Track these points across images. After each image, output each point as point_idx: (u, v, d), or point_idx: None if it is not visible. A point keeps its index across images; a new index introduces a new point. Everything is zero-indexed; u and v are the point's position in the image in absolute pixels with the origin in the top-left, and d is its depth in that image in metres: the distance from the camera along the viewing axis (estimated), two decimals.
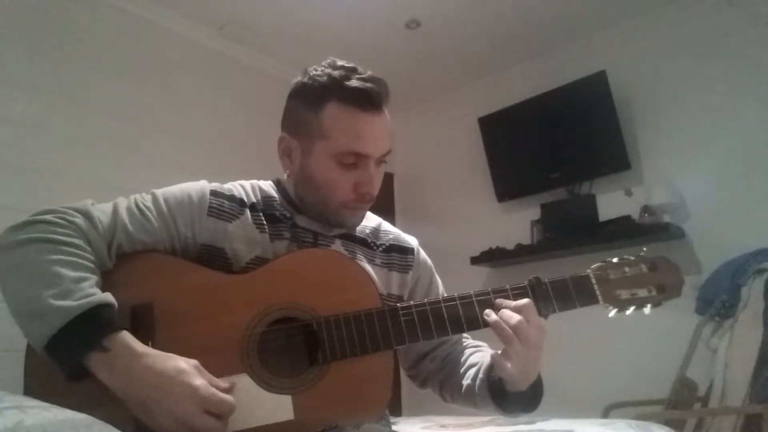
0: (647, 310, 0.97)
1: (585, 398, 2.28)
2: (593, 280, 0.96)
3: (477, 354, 1.07)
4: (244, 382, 0.83)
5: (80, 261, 0.81)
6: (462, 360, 1.07)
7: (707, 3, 2.74)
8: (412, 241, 1.14)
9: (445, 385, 1.08)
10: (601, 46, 3.04)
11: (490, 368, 0.98)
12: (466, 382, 1.02)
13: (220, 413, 0.76)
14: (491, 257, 3.11)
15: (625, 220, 2.75)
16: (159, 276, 0.89)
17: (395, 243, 1.11)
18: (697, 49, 2.74)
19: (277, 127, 1.03)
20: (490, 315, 0.91)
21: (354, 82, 0.93)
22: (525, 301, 0.91)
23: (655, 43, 2.88)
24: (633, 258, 1.00)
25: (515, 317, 0.88)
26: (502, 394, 0.95)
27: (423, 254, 1.15)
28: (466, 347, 1.11)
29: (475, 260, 3.16)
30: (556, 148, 3.06)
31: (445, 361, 1.09)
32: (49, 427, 0.52)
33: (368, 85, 0.93)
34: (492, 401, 0.96)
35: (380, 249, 1.09)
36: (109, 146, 2.46)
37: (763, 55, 2.54)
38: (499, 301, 0.93)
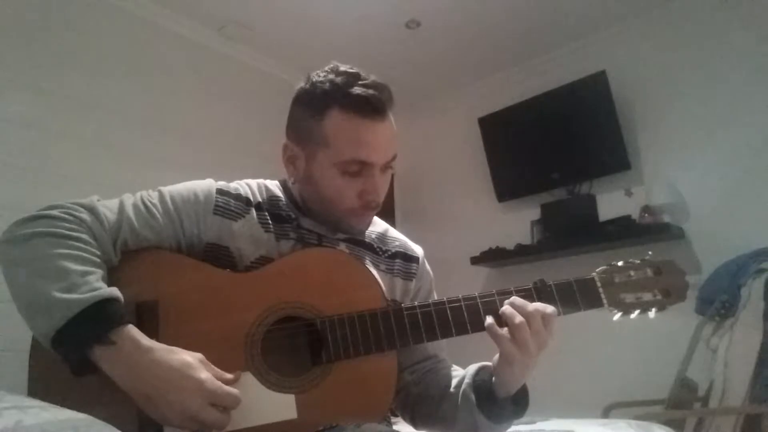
0: (652, 314, 0.96)
1: (585, 398, 2.28)
2: (598, 284, 0.95)
3: (461, 370, 1.02)
4: (248, 380, 0.83)
5: (86, 255, 0.81)
6: (445, 373, 1.03)
7: (707, 3, 2.74)
8: (418, 250, 1.13)
9: (420, 400, 1.02)
10: (601, 46, 3.04)
11: (477, 372, 0.96)
12: (448, 390, 0.98)
13: (225, 406, 0.76)
14: (491, 257, 3.11)
15: (625, 220, 2.75)
16: (164, 273, 0.89)
17: (401, 250, 1.10)
18: (697, 49, 2.74)
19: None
20: (486, 319, 0.89)
21: (356, 89, 0.92)
22: (533, 306, 0.88)
23: (655, 43, 2.88)
24: (638, 261, 0.99)
25: (518, 317, 0.86)
26: (488, 398, 0.92)
27: (427, 266, 1.14)
28: (450, 367, 1.05)
29: (475, 260, 3.16)
30: (556, 148, 3.05)
31: (425, 375, 1.04)
32: (49, 427, 0.52)
33: (370, 91, 0.92)
34: (477, 407, 0.92)
35: (385, 255, 1.08)
36: (109, 146, 2.46)
37: (763, 56, 2.54)
38: (510, 300, 0.90)
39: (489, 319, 0.89)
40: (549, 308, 0.88)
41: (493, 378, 0.92)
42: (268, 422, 0.82)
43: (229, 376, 0.80)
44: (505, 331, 0.87)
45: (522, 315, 0.86)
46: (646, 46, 2.91)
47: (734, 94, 2.61)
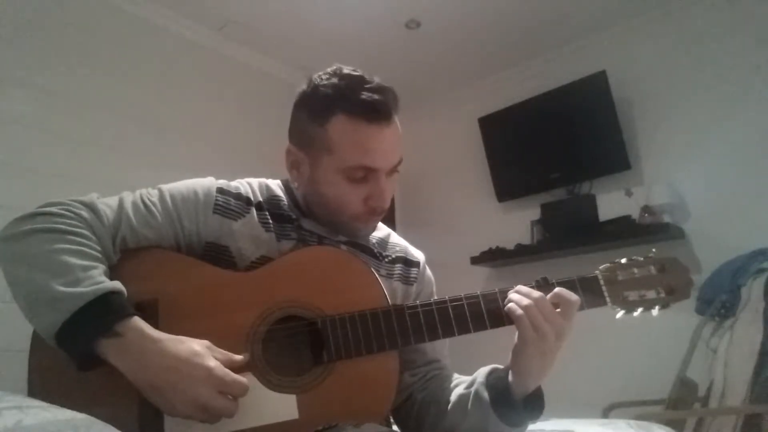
0: (655, 311, 0.95)
1: (585, 398, 2.27)
2: (601, 281, 0.93)
3: (464, 377, 0.99)
4: (249, 381, 0.82)
5: (87, 250, 0.81)
6: (451, 378, 1.01)
7: (707, 3, 2.74)
8: (419, 255, 1.12)
9: (428, 403, 0.99)
10: (601, 46, 3.04)
11: (490, 372, 0.94)
12: (457, 392, 0.95)
13: (233, 394, 0.76)
14: (491, 257, 3.11)
15: (625, 220, 2.76)
16: (164, 272, 0.89)
17: (402, 255, 1.09)
18: (697, 49, 2.74)
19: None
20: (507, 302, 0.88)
21: (362, 94, 0.89)
22: (539, 293, 0.86)
23: (655, 43, 2.88)
24: (641, 259, 0.97)
25: (526, 300, 0.85)
26: (503, 397, 0.88)
27: (428, 271, 1.13)
28: (453, 374, 1.03)
29: (475, 260, 3.16)
30: (556, 148, 3.06)
31: (430, 380, 1.02)
32: (49, 427, 0.52)
33: (375, 96, 0.89)
34: (490, 405, 0.88)
35: (386, 260, 1.07)
36: (109, 146, 2.46)
37: (763, 56, 2.55)
38: (516, 288, 0.89)
39: (510, 302, 0.87)
40: (557, 289, 0.87)
41: (509, 376, 0.89)
42: (269, 422, 0.82)
43: (238, 357, 0.80)
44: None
45: (529, 299, 0.86)
46: (646, 46, 2.91)
47: (734, 94, 2.61)
